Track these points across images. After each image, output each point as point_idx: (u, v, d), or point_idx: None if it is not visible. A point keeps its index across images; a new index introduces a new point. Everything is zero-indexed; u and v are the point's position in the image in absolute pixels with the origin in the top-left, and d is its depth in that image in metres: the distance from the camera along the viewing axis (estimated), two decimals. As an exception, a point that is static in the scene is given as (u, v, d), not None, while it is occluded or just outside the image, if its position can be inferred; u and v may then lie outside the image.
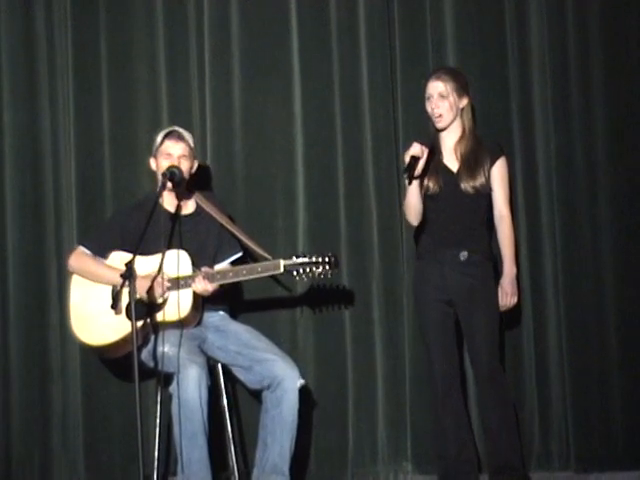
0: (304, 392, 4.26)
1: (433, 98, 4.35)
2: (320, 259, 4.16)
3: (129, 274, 3.82)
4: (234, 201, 4.82)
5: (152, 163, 4.42)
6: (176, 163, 4.30)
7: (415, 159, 4.20)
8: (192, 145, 4.41)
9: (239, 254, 4.45)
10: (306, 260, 4.16)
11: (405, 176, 4.23)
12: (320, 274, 4.17)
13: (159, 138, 4.39)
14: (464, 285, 4.32)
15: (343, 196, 4.87)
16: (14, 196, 4.79)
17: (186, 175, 4.35)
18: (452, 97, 4.33)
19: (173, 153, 4.34)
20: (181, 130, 4.41)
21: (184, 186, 4.37)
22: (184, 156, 4.35)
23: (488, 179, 4.36)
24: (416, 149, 4.21)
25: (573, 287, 4.84)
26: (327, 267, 4.16)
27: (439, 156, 4.39)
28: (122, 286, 3.86)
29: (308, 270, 4.15)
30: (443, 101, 4.34)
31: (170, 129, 4.41)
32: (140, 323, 4.07)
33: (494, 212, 4.40)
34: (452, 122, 4.38)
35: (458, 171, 4.36)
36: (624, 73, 4.94)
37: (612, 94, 4.92)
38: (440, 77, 4.35)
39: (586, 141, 4.90)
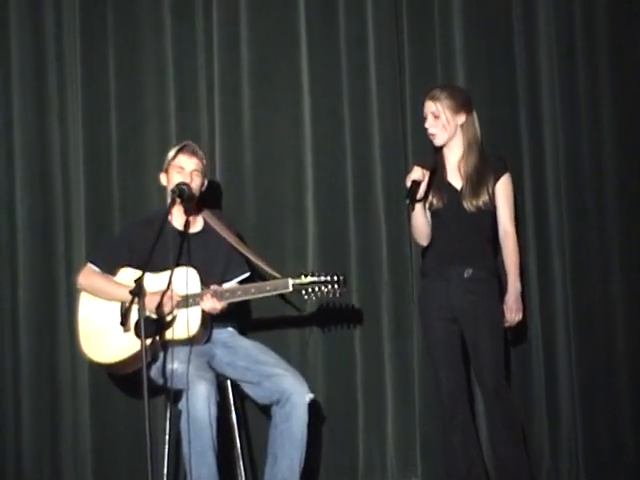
0: (314, 407, 4.26)
1: (427, 118, 4.38)
2: (329, 278, 4.16)
3: (138, 291, 3.81)
4: (243, 217, 4.82)
5: (162, 178, 4.40)
6: (188, 178, 4.29)
7: (416, 183, 4.24)
8: (204, 162, 4.40)
9: (247, 274, 4.43)
10: (315, 279, 4.16)
11: (407, 201, 4.26)
12: (329, 293, 4.17)
13: (172, 152, 4.36)
14: (468, 302, 4.31)
15: (352, 212, 4.88)
16: (24, 213, 4.79)
17: (197, 192, 4.35)
18: (445, 115, 4.34)
19: (186, 167, 4.32)
20: (194, 145, 4.40)
21: (193, 203, 4.35)
22: (196, 171, 4.34)
23: (492, 197, 4.35)
24: (417, 173, 4.25)
25: (582, 302, 4.84)
26: (336, 286, 4.16)
27: (443, 173, 4.40)
28: (131, 303, 3.86)
29: (317, 289, 4.15)
30: (436, 120, 4.36)
31: (184, 143, 4.38)
32: (149, 341, 4.06)
33: (499, 229, 4.39)
34: (451, 139, 4.38)
35: (461, 189, 4.36)
36: (632, 82, 4.94)
37: (620, 103, 4.93)
38: (432, 97, 4.37)
39: (595, 149, 4.91)
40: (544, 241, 4.91)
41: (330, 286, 4.16)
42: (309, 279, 4.16)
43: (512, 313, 4.36)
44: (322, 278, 4.16)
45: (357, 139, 4.91)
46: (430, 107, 4.37)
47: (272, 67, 4.92)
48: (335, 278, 4.16)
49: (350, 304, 4.78)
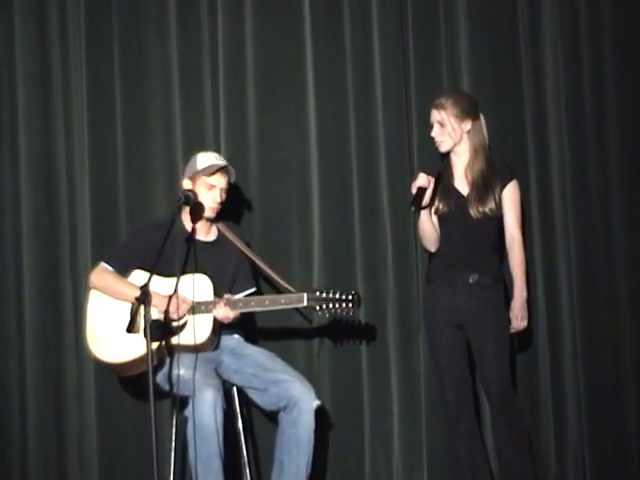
0: (320, 414, 4.24)
1: (433, 126, 4.39)
2: (344, 296, 4.16)
3: (144, 298, 3.81)
4: (249, 223, 4.82)
5: (187, 184, 4.37)
6: (218, 197, 4.31)
7: (422, 190, 4.24)
8: None
9: (252, 289, 4.44)
10: (330, 296, 4.16)
11: (412, 208, 4.27)
12: (342, 311, 4.17)
13: (205, 165, 4.32)
14: (474, 308, 4.31)
15: (358, 218, 4.87)
16: (29, 217, 4.78)
17: (221, 205, 4.34)
18: (450, 123, 4.34)
19: (217, 185, 4.33)
20: (228, 164, 4.37)
21: (203, 211, 4.33)
22: (225, 189, 4.37)
23: (499, 204, 4.34)
24: (422, 180, 4.26)
25: (589, 309, 4.85)
26: (350, 305, 4.17)
27: (450, 178, 4.40)
28: (137, 309, 3.85)
29: (331, 306, 4.15)
30: (441, 128, 4.36)
31: (222, 163, 4.34)
32: (156, 344, 4.07)
33: (505, 235, 4.38)
34: (456, 146, 4.38)
35: (468, 195, 4.36)
36: (638, 87, 4.95)
37: (626, 108, 4.93)
38: (437, 105, 4.37)
39: (601, 155, 4.92)
40: (550, 248, 4.91)
41: (345, 304, 4.16)
42: (324, 295, 4.16)
43: (517, 320, 4.35)
44: (337, 295, 4.16)
45: (362, 145, 4.90)
46: (435, 116, 4.37)
47: (277, 72, 4.91)
48: (350, 297, 4.17)
49: (358, 320, 4.75)
